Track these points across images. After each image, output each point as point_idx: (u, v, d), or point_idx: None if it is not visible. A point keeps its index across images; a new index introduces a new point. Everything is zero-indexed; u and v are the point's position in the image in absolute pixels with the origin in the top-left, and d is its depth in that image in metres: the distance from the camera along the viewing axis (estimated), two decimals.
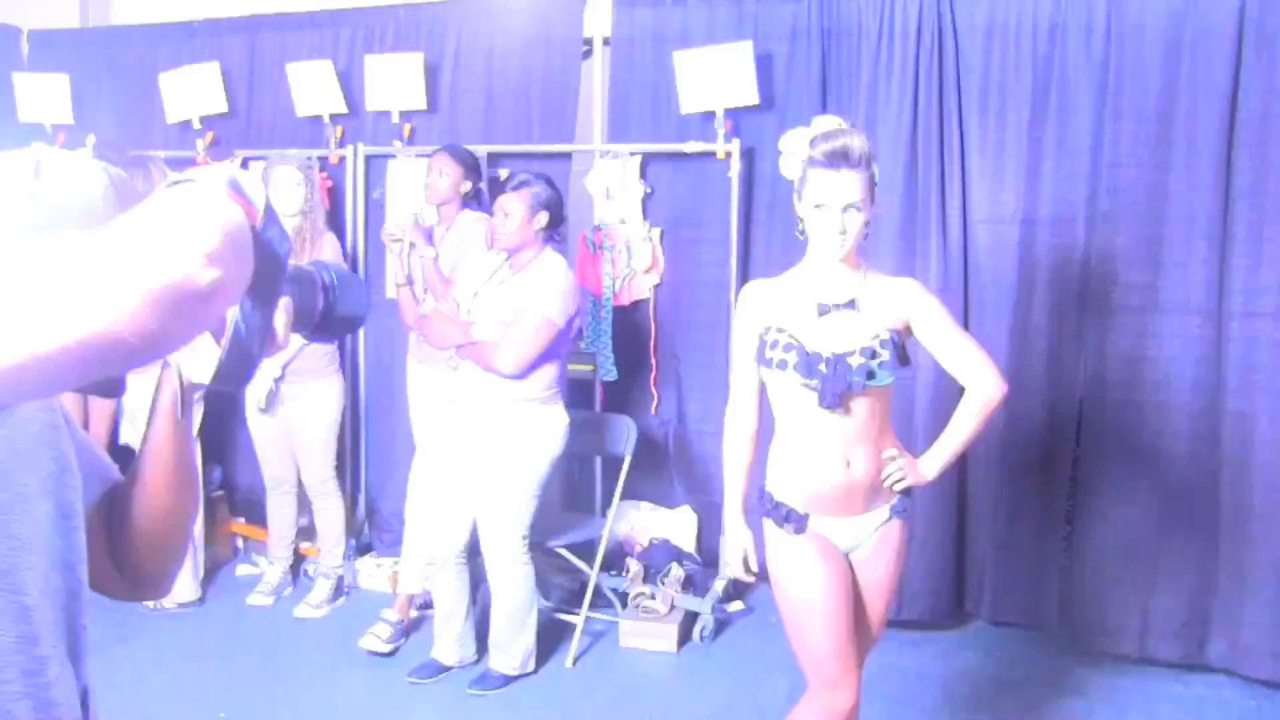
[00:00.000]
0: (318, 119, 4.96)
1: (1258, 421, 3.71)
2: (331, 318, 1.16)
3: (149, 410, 1.28)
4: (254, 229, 0.94)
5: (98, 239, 0.85)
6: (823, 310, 2.55)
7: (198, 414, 3.99)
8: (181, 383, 1.28)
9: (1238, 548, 3.76)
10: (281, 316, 1.06)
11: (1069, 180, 4.00)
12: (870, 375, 2.49)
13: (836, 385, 2.48)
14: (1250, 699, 3.75)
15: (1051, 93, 3.99)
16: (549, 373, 3.70)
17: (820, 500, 2.58)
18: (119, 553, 1.32)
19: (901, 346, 2.55)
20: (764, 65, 4.25)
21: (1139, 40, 3.80)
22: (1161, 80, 3.78)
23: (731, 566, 2.76)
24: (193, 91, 5.15)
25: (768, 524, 2.65)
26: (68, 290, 0.81)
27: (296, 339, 1.14)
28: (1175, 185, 3.80)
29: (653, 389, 4.60)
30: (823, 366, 2.49)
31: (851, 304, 2.55)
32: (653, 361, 4.59)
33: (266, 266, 0.96)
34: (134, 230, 0.85)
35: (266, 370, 4.27)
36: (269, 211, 0.99)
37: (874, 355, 2.50)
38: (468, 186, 4.24)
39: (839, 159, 2.49)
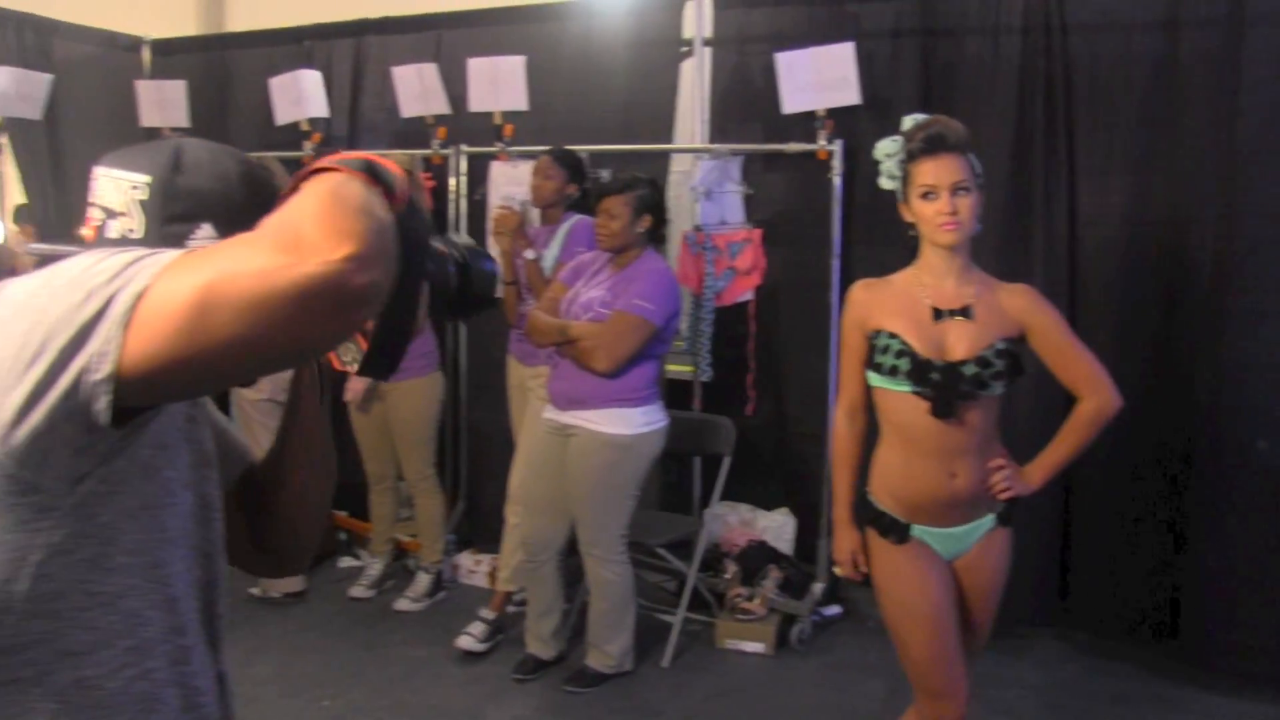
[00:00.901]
0: (421, 120, 5.05)
1: None
2: (467, 296, 1.15)
3: (289, 394, 1.31)
4: (396, 216, 0.94)
5: (253, 242, 0.86)
6: (937, 316, 2.52)
7: None
8: (320, 368, 1.31)
9: None
10: (422, 300, 1.06)
11: (1184, 180, 3.87)
12: (983, 385, 2.45)
13: (950, 395, 2.44)
14: None
15: (1165, 89, 3.88)
16: (646, 372, 3.70)
17: (923, 511, 2.55)
18: (261, 531, 1.35)
19: (1016, 356, 2.50)
20: (865, 64, 4.20)
21: (1261, 32, 3.66)
22: None
23: (840, 568, 2.74)
24: (300, 95, 5.29)
25: (870, 532, 2.62)
26: (229, 295, 0.83)
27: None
28: None
29: (751, 390, 4.58)
30: (936, 375, 2.45)
31: (966, 311, 2.51)
32: (751, 363, 4.57)
33: (409, 254, 0.96)
34: (288, 233, 0.85)
35: (355, 390, 4.38)
36: (409, 197, 1.00)
37: (988, 365, 2.45)
38: (573, 190, 4.26)
39: (939, 144, 2.46)
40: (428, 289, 1.07)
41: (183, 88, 5.61)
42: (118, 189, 1.16)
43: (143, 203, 1.15)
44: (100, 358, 0.88)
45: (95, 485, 1.00)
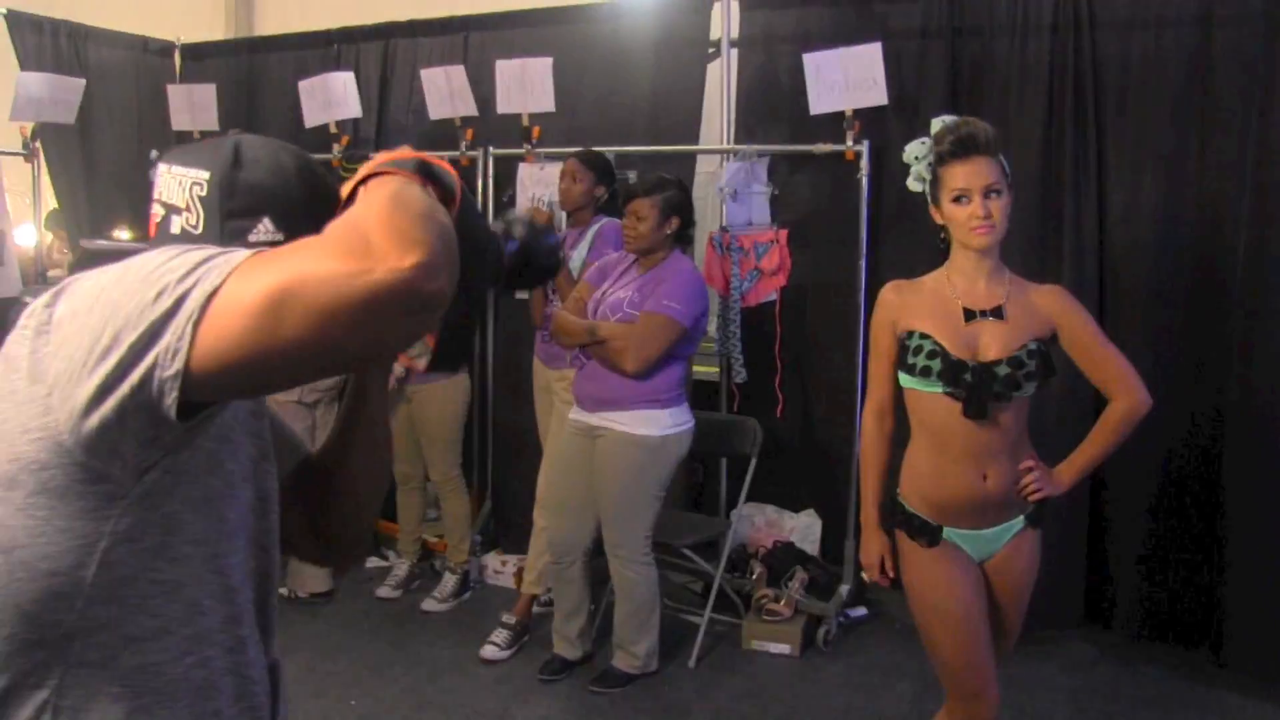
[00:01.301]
0: (449, 122, 5.07)
1: None
2: (529, 271, 1.20)
3: (353, 382, 1.33)
4: (454, 213, 0.97)
5: (323, 247, 0.88)
6: (969, 317, 2.50)
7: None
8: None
9: None
10: (484, 288, 1.11)
11: (1215, 179, 3.84)
12: (1016, 386, 2.43)
13: (982, 395, 2.43)
14: None
15: (1197, 86, 3.84)
16: (674, 373, 3.70)
17: (954, 513, 2.54)
18: (320, 520, 1.38)
19: (1047, 356, 2.49)
20: (893, 65, 4.18)
21: None
22: None
23: (868, 571, 2.73)
24: (329, 97, 5.32)
25: (900, 534, 2.61)
26: (300, 300, 0.85)
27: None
28: None
29: (778, 391, 4.57)
30: (969, 376, 2.44)
31: (998, 311, 2.50)
32: (778, 364, 4.56)
33: (469, 252, 0.98)
34: (357, 240, 0.87)
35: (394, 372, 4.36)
36: (465, 194, 1.03)
37: (1020, 365, 2.44)
38: (601, 192, 4.26)
39: (969, 146, 2.45)
40: (489, 276, 1.11)
41: (213, 91, 5.67)
42: (179, 185, 1.19)
43: (203, 198, 1.18)
44: (171, 354, 0.90)
45: (161, 476, 1.03)
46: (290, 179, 1.20)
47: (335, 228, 0.90)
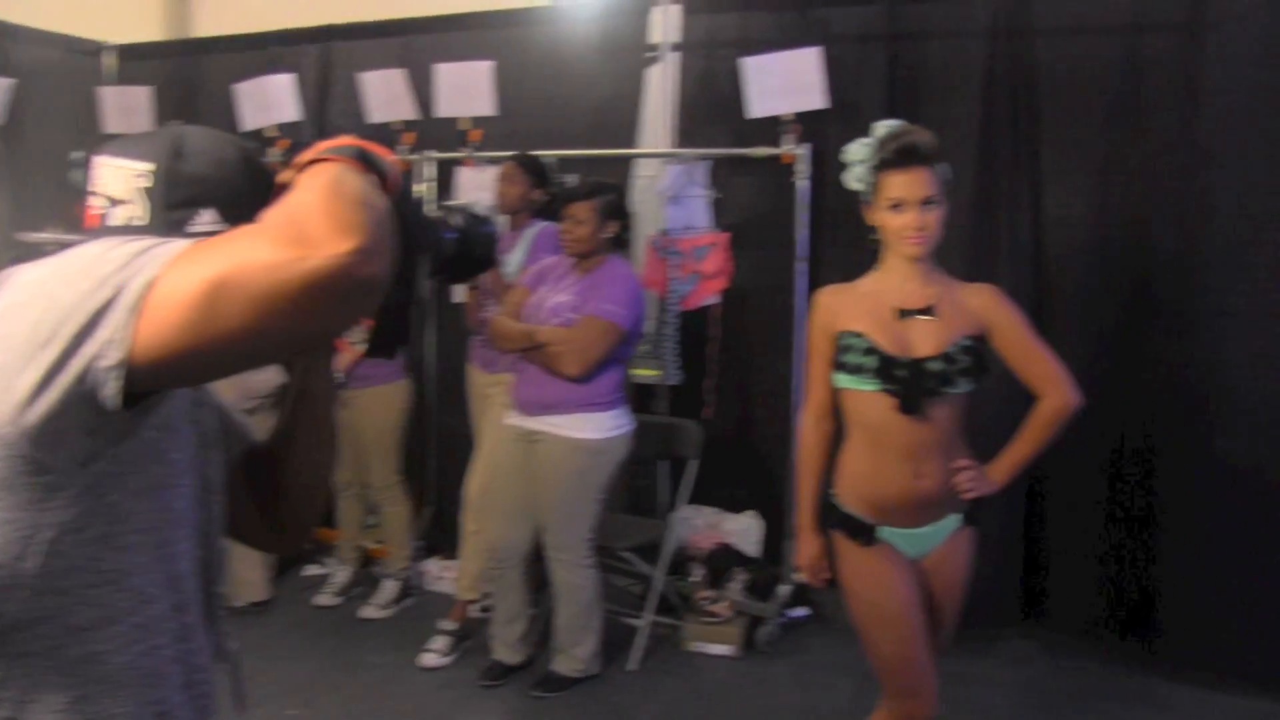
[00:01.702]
0: (388, 126, 5.03)
1: None
2: (467, 260, 1.21)
3: (299, 373, 1.34)
4: (391, 200, 0.98)
5: (261, 235, 0.89)
6: (902, 316, 2.53)
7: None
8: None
9: None
10: (420, 278, 1.12)
11: (1147, 181, 3.92)
12: (949, 381, 2.47)
13: (916, 391, 2.46)
14: None
15: (1129, 92, 3.92)
16: (614, 376, 3.70)
17: (889, 511, 2.57)
18: (269, 507, 1.39)
19: (980, 354, 2.52)
20: (833, 69, 4.22)
21: (1219, 36, 3.72)
22: (1246, 78, 3.69)
23: (804, 574, 2.75)
24: (267, 101, 5.26)
25: (836, 534, 2.64)
26: (238, 288, 0.86)
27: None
28: (1262, 185, 3.69)
29: (708, 395, 4.58)
30: (902, 371, 2.47)
31: (930, 310, 2.53)
32: (713, 367, 4.57)
33: (405, 236, 1.01)
34: (294, 227, 0.88)
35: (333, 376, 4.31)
36: (401, 180, 1.04)
37: (952, 361, 2.47)
38: (538, 195, 4.24)
39: (910, 156, 2.48)
40: (426, 262, 1.13)
41: (146, 94, 5.57)
42: (120, 177, 1.19)
43: (146, 190, 1.18)
44: (111, 345, 0.91)
45: (106, 466, 1.04)
46: (233, 170, 1.21)
47: (273, 215, 0.91)
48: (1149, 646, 3.95)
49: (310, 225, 0.87)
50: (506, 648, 3.91)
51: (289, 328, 0.87)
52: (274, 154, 5.22)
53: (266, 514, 1.39)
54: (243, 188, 1.20)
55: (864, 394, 2.53)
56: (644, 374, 4.58)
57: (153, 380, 0.94)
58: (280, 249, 0.85)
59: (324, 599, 4.63)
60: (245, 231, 0.90)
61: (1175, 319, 3.87)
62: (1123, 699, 3.77)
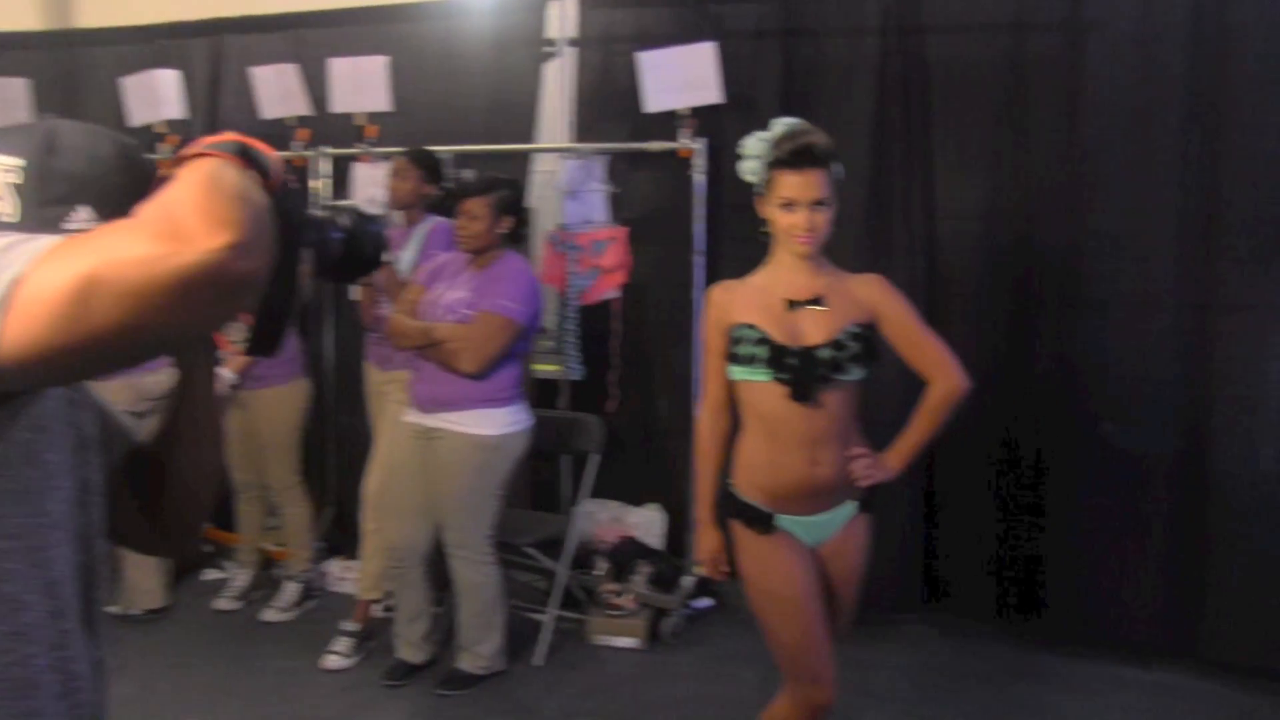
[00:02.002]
0: (282, 122, 4.95)
1: (1213, 409, 3.79)
2: (354, 260, 1.20)
3: (180, 373, 1.30)
4: (272, 197, 0.97)
5: (133, 230, 0.86)
6: (792, 307, 2.57)
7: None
8: (210, 344, 1.32)
9: (1203, 534, 3.82)
10: (303, 271, 1.09)
11: (1034, 176, 4.03)
12: (839, 368, 2.52)
13: (807, 378, 2.50)
14: (1222, 687, 3.77)
15: (1016, 90, 4.03)
16: (511, 373, 3.69)
17: (786, 499, 2.61)
18: (154, 509, 1.35)
19: (869, 340, 2.58)
20: (729, 64, 4.25)
21: (1097, 36, 3.84)
22: (1124, 77, 3.82)
23: (703, 567, 2.78)
24: (155, 95, 5.13)
25: (735, 524, 2.67)
26: (109, 284, 0.83)
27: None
28: (1139, 180, 3.84)
29: (612, 388, 4.60)
30: (793, 359, 2.51)
31: (819, 300, 2.57)
32: (614, 360, 4.59)
33: (286, 233, 0.98)
34: (168, 221, 0.86)
35: (224, 378, 4.21)
36: (283, 176, 1.03)
37: (841, 348, 2.52)
38: (430, 190, 4.21)
39: (804, 158, 2.51)
40: (313, 259, 1.11)
41: (24, 86, 5.38)
42: None
43: (17, 186, 1.13)
44: None
45: None
46: (109, 166, 1.17)
47: (147, 210, 0.89)
48: (1048, 627, 4.08)
49: (185, 220, 0.85)
50: (410, 647, 3.88)
51: (162, 324, 0.85)
52: (163, 150, 5.10)
53: (151, 517, 1.35)
54: (120, 185, 1.16)
55: (757, 384, 2.57)
56: (545, 369, 4.58)
57: (22, 380, 0.91)
58: (153, 243, 0.83)
59: (224, 603, 4.55)
60: (118, 226, 0.87)
61: (1060, 308, 4.00)
62: (1022, 676, 3.89)
